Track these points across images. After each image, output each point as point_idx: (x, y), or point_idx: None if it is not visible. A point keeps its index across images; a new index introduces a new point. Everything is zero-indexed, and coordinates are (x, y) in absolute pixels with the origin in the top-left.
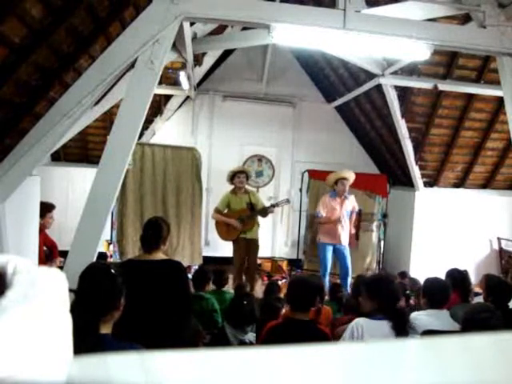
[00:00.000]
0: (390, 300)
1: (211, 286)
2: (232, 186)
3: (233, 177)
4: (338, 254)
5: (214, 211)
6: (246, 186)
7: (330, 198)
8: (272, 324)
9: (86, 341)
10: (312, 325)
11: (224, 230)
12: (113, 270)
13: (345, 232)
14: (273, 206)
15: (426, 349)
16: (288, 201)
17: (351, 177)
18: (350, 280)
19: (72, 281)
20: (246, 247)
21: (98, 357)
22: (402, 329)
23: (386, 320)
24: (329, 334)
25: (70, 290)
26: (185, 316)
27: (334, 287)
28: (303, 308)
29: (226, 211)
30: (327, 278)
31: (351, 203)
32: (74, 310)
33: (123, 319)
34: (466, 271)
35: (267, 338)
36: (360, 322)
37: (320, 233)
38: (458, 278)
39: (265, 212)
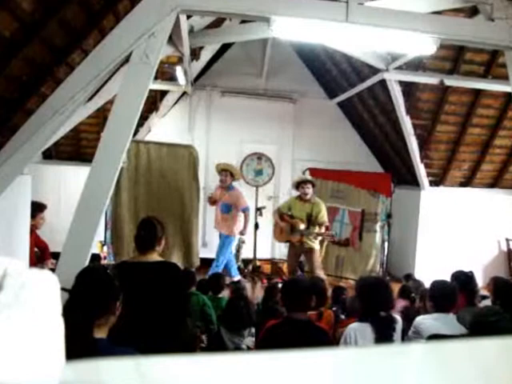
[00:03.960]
0: (373, 306)
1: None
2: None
3: (297, 186)
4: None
5: (276, 211)
6: (317, 199)
7: (217, 188)
8: (271, 323)
9: (80, 345)
10: (310, 323)
11: (278, 232)
12: (109, 273)
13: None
14: (320, 234)
15: (431, 353)
16: (333, 235)
17: (234, 171)
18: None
19: (64, 283)
20: (300, 254)
21: (91, 361)
22: (383, 336)
23: (370, 323)
24: (327, 331)
25: (64, 290)
26: (182, 319)
27: (336, 290)
28: (299, 309)
29: (289, 213)
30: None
31: (232, 197)
32: (68, 311)
33: (118, 323)
34: (471, 273)
35: (266, 337)
36: (352, 326)
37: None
38: (463, 280)
39: (312, 234)
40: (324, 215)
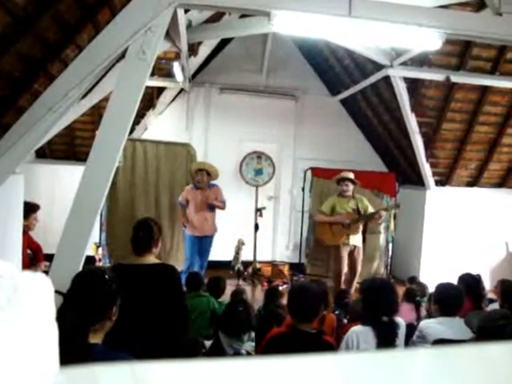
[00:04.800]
0: (376, 310)
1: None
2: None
3: (337, 182)
4: (202, 244)
5: (318, 212)
6: (357, 194)
7: (192, 190)
8: (276, 332)
9: (75, 350)
10: (318, 337)
11: (329, 233)
12: (107, 276)
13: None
14: (384, 209)
15: (437, 359)
16: (398, 206)
17: (211, 170)
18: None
19: (58, 286)
20: (350, 254)
21: (86, 367)
22: (385, 341)
23: (372, 327)
24: (334, 345)
25: (58, 293)
26: (183, 323)
27: (339, 293)
28: (307, 319)
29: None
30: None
31: (215, 193)
32: (63, 315)
33: (115, 327)
34: (479, 276)
35: (269, 347)
36: (355, 330)
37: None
38: (470, 283)
39: (371, 217)
40: (371, 208)
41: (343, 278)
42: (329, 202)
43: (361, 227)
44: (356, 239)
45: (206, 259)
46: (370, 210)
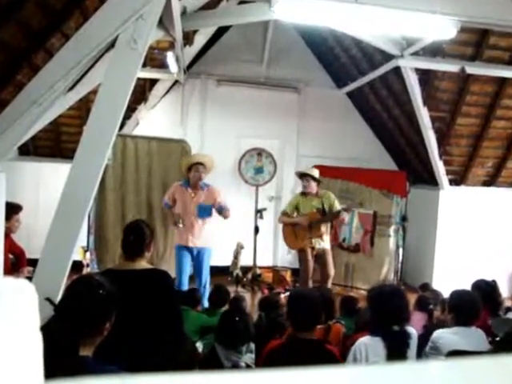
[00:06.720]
0: (386, 318)
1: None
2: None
3: (299, 177)
4: (195, 258)
5: (282, 214)
6: (323, 190)
7: (181, 188)
8: (274, 344)
9: (63, 363)
10: (319, 345)
11: (292, 236)
12: (103, 291)
13: (196, 231)
14: (344, 209)
15: (452, 371)
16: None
17: (208, 162)
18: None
19: (42, 293)
20: (316, 258)
21: (73, 380)
22: (395, 352)
23: (381, 338)
24: (337, 354)
25: (49, 301)
26: (179, 331)
27: (346, 301)
28: (307, 327)
29: (294, 215)
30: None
31: (211, 196)
32: (53, 326)
33: (106, 338)
34: (494, 282)
35: (269, 360)
36: (363, 341)
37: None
38: (485, 290)
39: (334, 217)
40: (337, 205)
41: (310, 283)
42: (292, 202)
43: (327, 229)
44: (324, 242)
45: (203, 277)
46: (336, 205)
